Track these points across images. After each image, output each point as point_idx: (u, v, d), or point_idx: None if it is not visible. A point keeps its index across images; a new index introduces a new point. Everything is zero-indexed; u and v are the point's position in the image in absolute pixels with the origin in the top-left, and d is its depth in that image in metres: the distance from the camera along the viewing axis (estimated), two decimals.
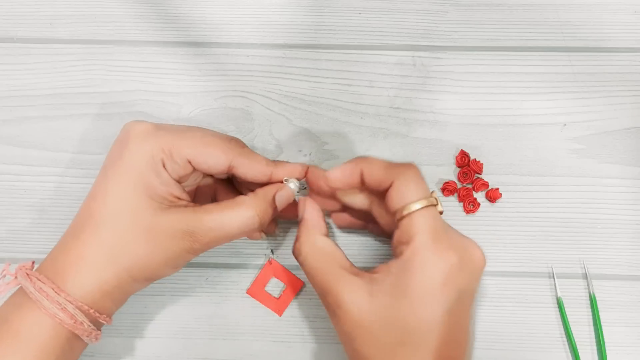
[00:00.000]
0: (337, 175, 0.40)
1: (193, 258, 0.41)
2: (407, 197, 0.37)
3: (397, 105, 0.49)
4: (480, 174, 0.48)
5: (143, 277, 0.40)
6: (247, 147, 0.42)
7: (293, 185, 0.42)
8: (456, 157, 0.48)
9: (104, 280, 0.38)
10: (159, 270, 0.40)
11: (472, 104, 0.49)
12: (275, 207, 0.41)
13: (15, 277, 0.39)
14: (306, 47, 0.50)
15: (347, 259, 0.40)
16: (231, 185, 0.45)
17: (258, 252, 0.47)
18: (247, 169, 0.41)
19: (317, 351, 0.46)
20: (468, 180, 0.47)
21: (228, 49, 0.50)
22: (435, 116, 0.49)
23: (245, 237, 0.47)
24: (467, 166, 0.47)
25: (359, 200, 0.42)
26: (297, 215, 0.42)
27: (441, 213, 0.39)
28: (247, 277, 0.47)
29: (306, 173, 0.43)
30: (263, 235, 0.45)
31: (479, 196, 0.47)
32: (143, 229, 0.38)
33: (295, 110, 0.49)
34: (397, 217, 0.38)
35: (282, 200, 0.42)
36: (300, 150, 0.48)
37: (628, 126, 0.48)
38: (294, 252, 0.41)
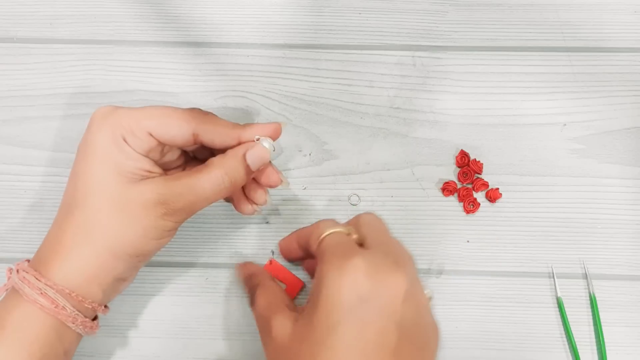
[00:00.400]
0: (283, 247, 0.46)
1: (173, 227, 0.40)
2: (319, 232, 0.40)
3: (397, 105, 0.49)
4: (480, 174, 0.48)
5: (124, 252, 0.39)
6: (211, 114, 0.42)
7: (267, 144, 0.41)
8: (456, 157, 0.48)
9: (84, 262, 0.38)
10: (139, 243, 0.39)
11: (472, 104, 0.49)
12: (248, 167, 0.41)
13: (9, 277, 0.39)
14: (306, 47, 0.50)
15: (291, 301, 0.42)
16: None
17: (258, 252, 0.47)
18: (213, 135, 0.40)
19: None
20: (468, 180, 0.47)
21: (228, 49, 0.50)
22: (435, 116, 0.49)
23: (246, 239, 0.47)
24: (467, 166, 0.47)
25: None
26: (277, 182, 0.43)
27: (361, 245, 0.39)
28: None
29: (279, 131, 0.42)
30: (257, 208, 0.44)
31: (479, 196, 0.47)
32: (115, 204, 0.38)
33: (295, 110, 0.49)
34: (315, 253, 0.40)
35: (254, 158, 0.41)
36: (300, 150, 0.48)
37: (628, 126, 0.48)
38: (253, 312, 0.42)
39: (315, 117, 0.49)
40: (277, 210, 0.48)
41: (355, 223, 0.41)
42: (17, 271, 0.39)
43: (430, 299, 0.39)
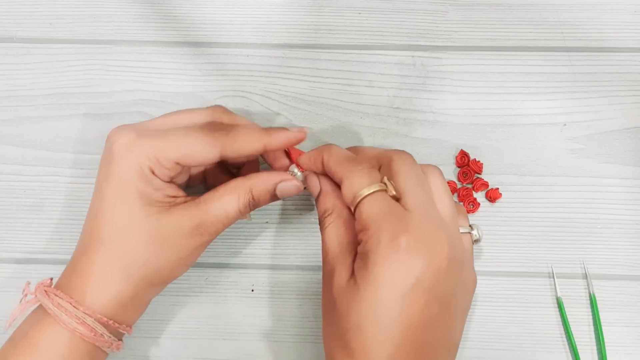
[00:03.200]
0: (304, 161, 0.42)
1: (204, 249, 0.41)
2: (356, 185, 0.38)
3: (397, 105, 0.49)
4: (480, 173, 0.48)
5: (159, 281, 0.41)
6: (234, 127, 0.41)
7: (298, 173, 0.42)
8: (456, 157, 0.48)
9: (120, 293, 0.39)
10: (173, 271, 0.41)
11: (472, 104, 0.49)
12: (275, 195, 0.42)
13: (35, 295, 0.39)
14: (306, 47, 0.50)
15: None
16: (220, 164, 0.45)
17: (258, 252, 0.47)
18: (239, 153, 0.41)
19: (317, 351, 0.46)
20: (468, 180, 0.47)
21: (228, 49, 0.50)
22: (435, 116, 0.49)
23: (246, 239, 0.47)
24: (467, 166, 0.47)
25: None
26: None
27: (397, 200, 0.38)
28: (247, 277, 0.47)
29: (304, 137, 0.43)
30: (249, 216, 0.45)
31: (479, 196, 0.47)
32: (149, 236, 0.39)
33: (295, 110, 0.49)
34: (352, 208, 0.38)
35: (284, 191, 0.42)
36: None
37: (628, 126, 0.48)
38: (320, 224, 0.40)
39: (315, 117, 0.49)
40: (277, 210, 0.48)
41: (387, 167, 0.39)
42: (48, 294, 0.38)
43: (476, 241, 0.41)
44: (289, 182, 0.42)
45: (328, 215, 0.40)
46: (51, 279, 0.40)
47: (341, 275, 0.37)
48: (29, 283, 0.41)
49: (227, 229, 0.47)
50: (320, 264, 0.46)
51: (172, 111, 0.43)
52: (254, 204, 0.41)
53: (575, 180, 0.47)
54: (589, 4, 0.50)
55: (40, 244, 0.48)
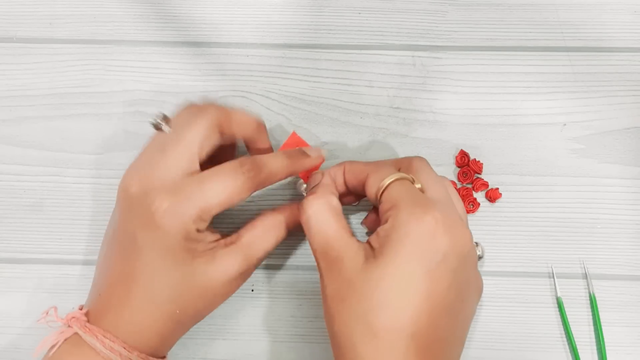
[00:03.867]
0: (326, 178, 0.43)
1: None
2: (381, 177, 0.39)
3: (397, 105, 0.49)
4: (480, 173, 0.48)
5: (201, 318, 0.42)
6: (260, 164, 0.41)
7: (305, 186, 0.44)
8: (456, 157, 0.48)
9: (169, 336, 0.40)
10: (214, 308, 0.42)
11: (472, 104, 0.49)
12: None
13: (69, 325, 0.39)
14: (306, 47, 0.50)
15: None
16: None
17: None
18: (271, 184, 0.42)
19: (317, 351, 0.46)
20: (468, 180, 0.47)
21: (228, 48, 0.50)
22: (435, 116, 0.49)
23: None
24: (467, 166, 0.47)
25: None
26: None
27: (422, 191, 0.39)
28: None
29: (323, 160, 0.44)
30: None
31: (479, 196, 0.47)
32: (200, 290, 0.40)
33: (295, 110, 0.49)
34: (377, 198, 0.39)
35: None
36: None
37: (628, 126, 0.48)
38: (303, 206, 0.40)
39: (315, 117, 0.49)
40: None
41: (408, 168, 0.41)
42: (91, 331, 0.38)
43: (480, 257, 0.42)
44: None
45: (322, 202, 0.40)
46: (82, 308, 0.40)
47: (356, 257, 0.37)
48: (56, 308, 0.41)
49: (227, 230, 0.47)
50: None
51: (161, 134, 0.41)
52: (286, 236, 0.43)
53: (575, 180, 0.47)
54: (589, 4, 0.50)
55: (40, 244, 0.48)
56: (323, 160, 0.44)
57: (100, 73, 0.50)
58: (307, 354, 0.46)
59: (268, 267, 0.47)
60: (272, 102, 0.49)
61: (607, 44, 0.49)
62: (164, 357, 0.42)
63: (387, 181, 0.39)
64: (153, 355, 0.40)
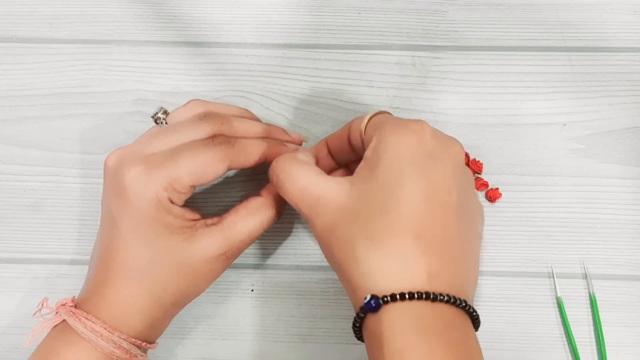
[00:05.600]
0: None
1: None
2: (362, 119, 0.40)
3: (397, 105, 0.49)
4: (480, 173, 0.48)
5: (187, 301, 0.42)
6: (236, 138, 0.42)
7: None
8: None
9: (153, 317, 0.40)
10: (199, 291, 0.42)
11: (472, 104, 0.49)
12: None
13: (57, 312, 0.39)
14: (305, 47, 0.50)
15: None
16: None
17: (257, 252, 0.47)
18: (244, 165, 0.41)
19: (317, 351, 0.46)
20: None
21: (227, 48, 0.50)
22: (435, 116, 0.49)
23: None
24: (467, 166, 0.47)
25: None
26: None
27: None
28: (247, 277, 0.47)
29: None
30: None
31: (479, 196, 0.47)
32: (178, 266, 0.39)
33: (295, 110, 0.49)
34: (362, 135, 0.40)
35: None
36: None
37: (628, 126, 0.48)
38: (271, 167, 0.40)
39: (315, 117, 0.49)
40: None
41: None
42: (76, 316, 0.38)
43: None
44: None
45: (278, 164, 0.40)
46: (73, 298, 0.40)
47: (340, 186, 0.37)
48: (47, 299, 0.41)
49: None
50: (320, 263, 0.46)
51: (155, 126, 0.43)
52: (276, 220, 0.42)
53: (575, 180, 0.47)
54: (589, 4, 0.50)
55: (40, 243, 0.48)
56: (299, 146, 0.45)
57: (100, 73, 0.50)
58: (307, 354, 0.46)
59: (268, 267, 0.47)
60: (272, 102, 0.49)
61: (607, 44, 0.49)
62: (153, 343, 0.41)
63: (368, 116, 0.40)
64: (140, 339, 0.39)
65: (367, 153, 0.38)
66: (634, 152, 0.48)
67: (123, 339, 0.38)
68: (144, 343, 0.40)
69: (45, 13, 0.51)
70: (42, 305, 0.41)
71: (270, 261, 0.47)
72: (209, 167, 0.39)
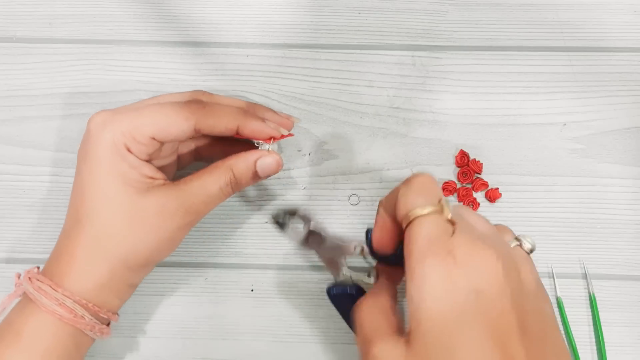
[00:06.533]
0: (378, 239, 0.38)
1: (185, 233, 0.41)
2: (408, 204, 0.34)
3: (397, 105, 0.49)
4: (479, 173, 0.48)
5: (138, 264, 0.40)
6: (210, 104, 0.41)
7: (272, 149, 0.41)
8: (456, 156, 0.48)
9: (98, 274, 0.39)
10: (153, 254, 0.40)
11: (472, 104, 0.49)
12: (256, 173, 0.41)
13: (21, 284, 0.39)
14: (305, 46, 0.50)
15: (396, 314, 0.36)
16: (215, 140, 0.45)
17: (258, 252, 0.47)
18: (213, 129, 0.40)
19: (317, 351, 0.46)
20: (467, 180, 0.47)
21: (227, 48, 0.50)
22: (434, 116, 0.49)
23: (245, 239, 0.47)
24: (467, 166, 0.47)
25: None
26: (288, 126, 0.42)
27: (452, 224, 0.33)
28: (247, 277, 0.47)
29: (288, 128, 0.42)
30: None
31: (479, 196, 0.47)
32: (128, 217, 0.38)
33: (295, 110, 0.49)
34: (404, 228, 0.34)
35: (265, 168, 0.41)
36: (299, 150, 0.48)
37: (627, 126, 0.48)
38: (356, 305, 0.37)
39: (315, 117, 0.49)
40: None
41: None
42: (30, 279, 0.39)
43: (531, 250, 0.36)
44: (268, 157, 0.41)
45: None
46: (38, 267, 0.40)
47: (391, 355, 0.32)
48: (19, 275, 0.41)
49: (227, 230, 0.47)
50: (319, 263, 0.46)
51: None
52: (235, 183, 0.41)
53: (575, 180, 0.47)
54: (589, 3, 0.50)
55: (40, 243, 0.48)
56: (278, 135, 0.41)
57: (100, 73, 0.50)
58: (307, 354, 0.46)
59: (268, 267, 0.47)
60: (272, 102, 0.49)
61: (607, 44, 0.49)
62: (109, 312, 0.40)
63: (411, 216, 0.33)
64: (89, 300, 0.38)
65: (408, 296, 0.32)
66: (634, 152, 0.48)
67: (66, 296, 0.38)
68: (92, 304, 0.38)
69: (45, 13, 0.51)
70: (17, 282, 0.40)
71: (270, 261, 0.47)
72: (172, 120, 0.39)
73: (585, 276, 0.46)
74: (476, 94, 0.49)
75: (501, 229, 0.38)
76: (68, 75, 0.50)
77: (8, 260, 0.47)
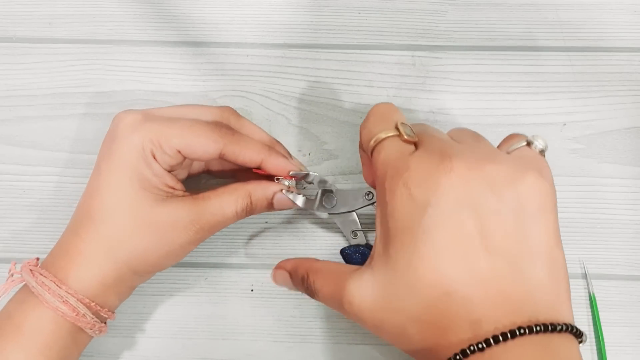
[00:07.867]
0: (366, 177, 0.41)
1: (195, 246, 0.41)
2: (369, 134, 0.36)
3: (397, 104, 0.49)
4: None
5: (144, 270, 0.40)
6: (239, 134, 0.41)
7: (291, 184, 0.43)
8: None
9: (104, 275, 0.39)
10: (160, 263, 0.41)
11: (472, 104, 0.49)
12: (271, 204, 0.42)
13: (20, 275, 0.39)
14: (305, 46, 0.50)
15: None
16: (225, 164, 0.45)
17: (258, 252, 0.47)
18: (237, 157, 0.41)
19: (317, 351, 0.46)
20: None
21: (227, 48, 0.50)
22: (435, 116, 0.49)
23: (245, 239, 0.47)
24: None
25: None
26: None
27: (412, 143, 0.35)
28: (247, 277, 0.47)
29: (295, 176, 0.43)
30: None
31: None
32: (142, 223, 0.39)
33: (295, 110, 0.49)
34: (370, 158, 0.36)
35: (281, 202, 0.42)
36: (299, 150, 0.48)
37: (628, 126, 0.48)
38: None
39: (315, 116, 0.49)
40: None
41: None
42: (32, 272, 0.38)
43: (541, 151, 0.36)
44: (288, 194, 0.42)
45: (307, 276, 0.38)
46: (37, 259, 0.40)
47: (359, 291, 0.34)
48: (15, 263, 0.40)
49: (226, 230, 0.47)
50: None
51: (182, 104, 0.43)
52: (250, 209, 0.42)
53: (575, 180, 0.47)
54: (589, 4, 0.50)
55: (40, 243, 0.48)
56: (291, 170, 0.42)
57: (100, 73, 0.50)
58: (307, 354, 0.46)
59: (268, 267, 0.47)
60: (272, 102, 0.49)
61: (607, 44, 0.49)
62: (109, 311, 0.40)
63: (374, 141, 0.36)
64: (91, 300, 0.38)
65: (376, 222, 0.34)
66: (634, 152, 0.48)
67: (70, 294, 0.38)
68: (94, 304, 0.38)
69: (45, 13, 0.51)
70: (12, 270, 0.40)
71: (270, 261, 0.47)
72: (201, 140, 0.39)
73: (585, 276, 0.46)
74: (476, 94, 0.49)
75: (511, 136, 0.38)
76: (68, 75, 0.50)
77: (8, 261, 0.47)
